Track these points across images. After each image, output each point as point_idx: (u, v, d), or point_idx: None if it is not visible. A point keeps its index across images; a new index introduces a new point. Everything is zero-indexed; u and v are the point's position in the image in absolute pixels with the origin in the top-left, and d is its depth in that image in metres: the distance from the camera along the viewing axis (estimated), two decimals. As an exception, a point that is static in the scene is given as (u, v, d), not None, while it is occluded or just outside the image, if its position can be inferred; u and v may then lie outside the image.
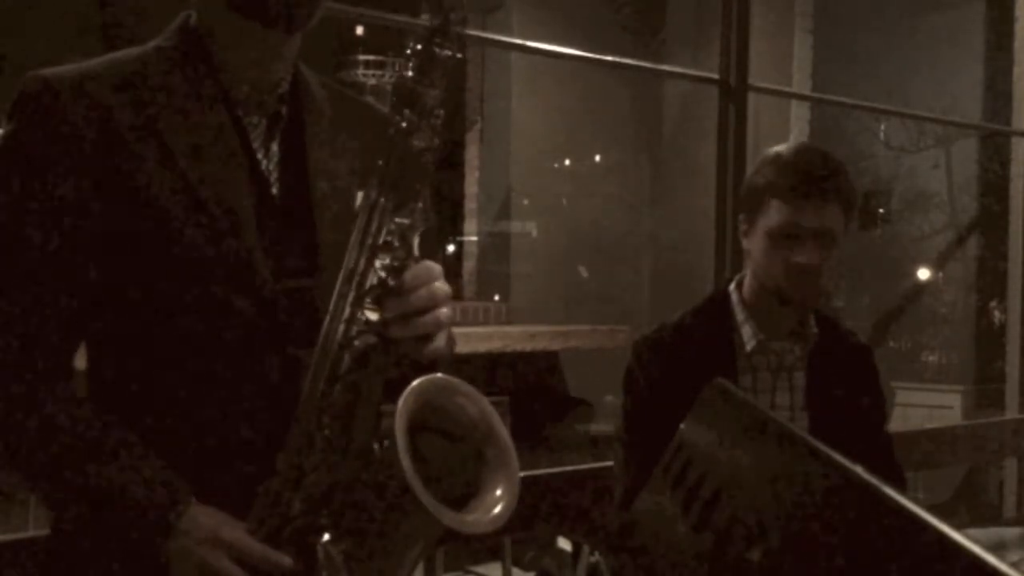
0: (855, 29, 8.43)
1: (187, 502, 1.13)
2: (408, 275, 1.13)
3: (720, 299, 1.93)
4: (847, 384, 1.93)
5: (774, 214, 1.79)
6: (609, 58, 3.53)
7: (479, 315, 8.08)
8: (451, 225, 9.08)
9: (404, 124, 1.13)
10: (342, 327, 1.13)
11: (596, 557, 3.07)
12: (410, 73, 1.14)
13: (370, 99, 1.46)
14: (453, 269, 8.85)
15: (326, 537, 1.11)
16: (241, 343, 1.17)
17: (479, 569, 4.60)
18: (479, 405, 1.16)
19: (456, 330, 1.32)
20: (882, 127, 8.94)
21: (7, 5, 6.47)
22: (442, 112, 1.15)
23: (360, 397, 1.13)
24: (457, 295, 6.80)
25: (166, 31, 1.24)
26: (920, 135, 8.74)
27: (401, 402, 1.08)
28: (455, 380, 1.16)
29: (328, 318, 1.13)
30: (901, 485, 1.98)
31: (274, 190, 1.23)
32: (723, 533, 0.75)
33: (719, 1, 3.31)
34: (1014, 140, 5.32)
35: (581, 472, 2.69)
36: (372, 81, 8.66)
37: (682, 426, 0.90)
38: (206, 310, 1.16)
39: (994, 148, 8.15)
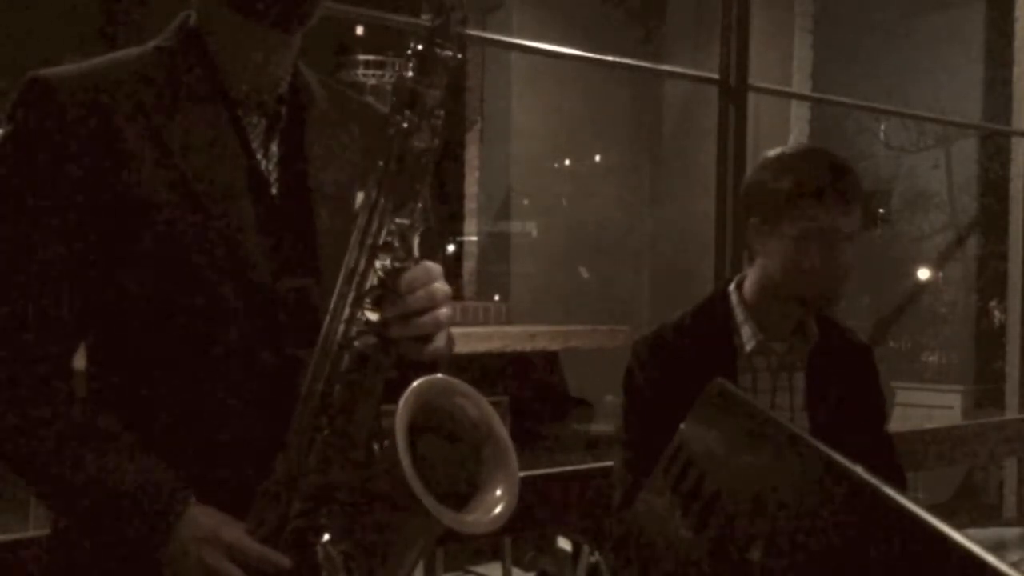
0: (855, 29, 8.43)
1: (186, 502, 1.13)
2: (408, 276, 1.13)
3: (720, 299, 1.93)
4: (847, 384, 1.93)
5: (807, 218, 1.76)
6: (609, 58, 3.53)
7: (479, 315, 8.08)
8: (451, 225, 9.08)
9: (404, 124, 1.13)
10: (342, 327, 1.13)
11: (596, 557, 3.07)
12: (410, 73, 1.14)
13: (370, 99, 1.45)
14: (453, 269, 8.84)
15: (326, 537, 1.11)
16: (241, 343, 1.17)
17: (479, 569, 4.60)
18: (479, 405, 1.16)
19: (456, 330, 1.32)
20: (882, 127, 8.93)
21: (7, 5, 6.47)
22: (442, 112, 1.15)
23: (360, 397, 1.13)
24: (457, 295, 6.79)
25: (166, 31, 1.24)
26: (920, 135, 8.73)
27: (401, 402, 1.08)
28: (455, 380, 1.16)
29: (328, 318, 1.13)
30: (901, 485, 1.98)
31: (273, 190, 1.23)
32: (723, 533, 0.75)
33: (719, 1, 3.31)
34: (1014, 140, 5.33)
35: (581, 472, 2.68)
36: (372, 81, 8.65)
37: (682, 426, 0.90)
38: (205, 310, 1.16)
39: (994, 148, 8.14)
